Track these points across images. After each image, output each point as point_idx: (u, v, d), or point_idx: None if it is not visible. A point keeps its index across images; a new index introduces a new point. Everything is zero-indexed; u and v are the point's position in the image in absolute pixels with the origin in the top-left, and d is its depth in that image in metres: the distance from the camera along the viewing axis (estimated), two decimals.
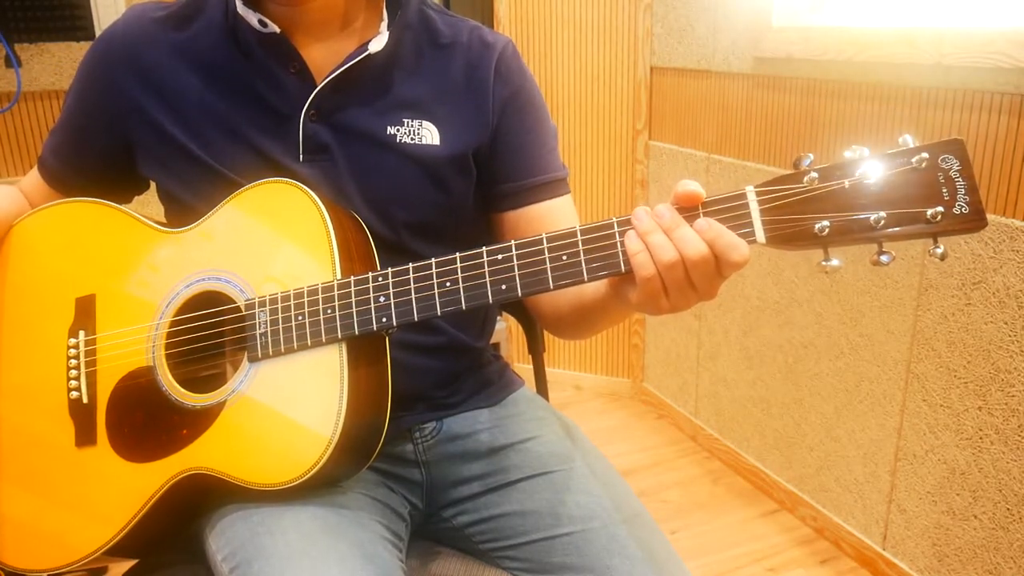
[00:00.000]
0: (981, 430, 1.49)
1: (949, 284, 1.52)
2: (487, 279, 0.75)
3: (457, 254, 0.76)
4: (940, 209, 0.65)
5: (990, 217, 1.42)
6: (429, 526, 0.99)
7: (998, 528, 1.49)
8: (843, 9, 1.76)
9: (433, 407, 0.97)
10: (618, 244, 0.72)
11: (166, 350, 0.86)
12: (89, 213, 0.93)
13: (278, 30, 0.86)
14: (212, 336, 0.86)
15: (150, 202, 1.00)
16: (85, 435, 0.87)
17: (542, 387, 1.21)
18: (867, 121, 1.65)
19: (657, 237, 0.69)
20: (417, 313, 0.77)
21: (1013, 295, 1.40)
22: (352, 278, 0.79)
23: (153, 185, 0.97)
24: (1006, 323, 1.42)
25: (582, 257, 0.73)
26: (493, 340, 1.07)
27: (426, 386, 0.96)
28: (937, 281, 1.54)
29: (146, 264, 0.89)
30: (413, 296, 0.77)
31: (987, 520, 1.51)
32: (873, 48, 1.58)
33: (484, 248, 0.76)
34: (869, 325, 1.71)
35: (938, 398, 1.57)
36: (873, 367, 1.71)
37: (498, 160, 0.94)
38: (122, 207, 0.92)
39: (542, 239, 0.74)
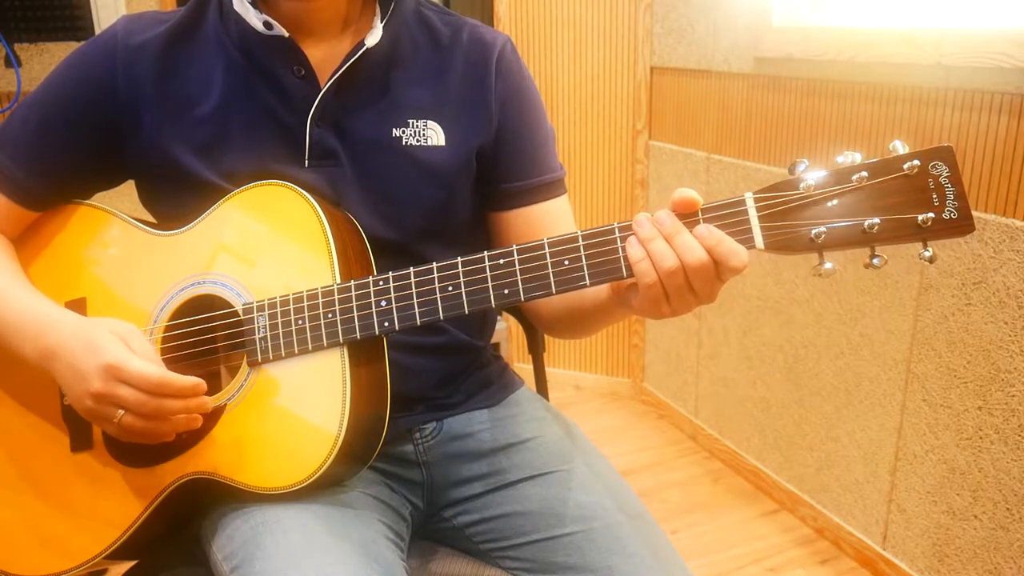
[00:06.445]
0: (981, 430, 1.49)
1: (949, 284, 1.52)
2: (489, 283, 0.76)
3: (459, 258, 0.77)
4: (931, 215, 0.67)
5: (990, 217, 1.42)
6: (429, 526, 0.99)
7: (998, 528, 1.49)
8: (843, 9, 1.76)
9: (433, 407, 0.97)
10: (619, 250, 0.73)
11: (162, 355, 0.85)
12: (75, 215, 0.91)
13: (286, 33, 0.85)
14: (209, 340, 0.85)
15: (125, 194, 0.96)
16: (80, 440, 0.86)
17: (542, 387, 1.21)
18: (867, 121, 1.65)
19: (658, 244, 0.71)
20: (420, 317, 0.78)
21: (1013, 295, 1.40)
22: (352, 282, 0.79)
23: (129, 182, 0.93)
24: (1006, 323, 1.42)
25: (584, 262, 0.74)
26: (493, 340, 1.07)
27: (426, 387, 0.96)
28: (937, 281, 1.54)
29: (138, 267, 0.88)
30: (415, 300, 0.78)
31: (987, 520, 1.51)
32: (873, 48, 1.58)
33: (486, 252, 0.76)
34: (869, 325, 1.71)
35: (938, 398, 1.57)
36: (873, 367, 1.71)
37: (500, 160, 0.94)
38: (109, 208, 0.90)
39: (544, 244, 0.75)
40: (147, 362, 0.76)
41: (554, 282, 0.75)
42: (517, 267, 0.75)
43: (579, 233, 0.74)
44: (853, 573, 1.81)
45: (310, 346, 0.80)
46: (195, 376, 0.83)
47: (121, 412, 0.76)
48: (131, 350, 0.77)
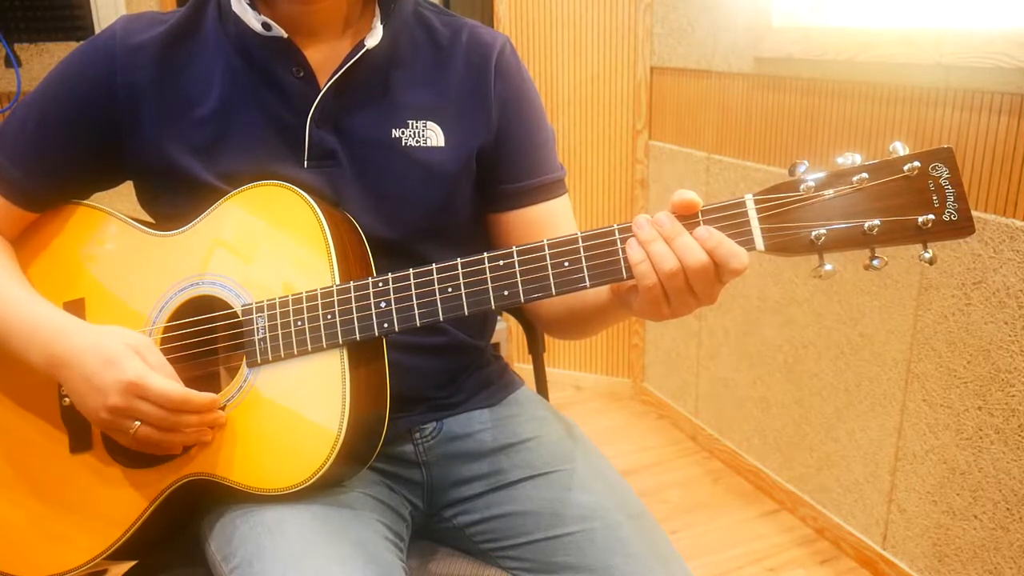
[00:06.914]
0: (981, 430, 1.49)
1: (949, 284, 1.52)
2: (489, 285, 0.76)
3: (459, 260, 0.77)
4: (931, 216, 0.67)
5: (990, 217, 1.42)
6: (430, 526, 0.99)
7: (998, 528, 1.49)
8: (843, 9, 1.76)
9: (433, 408, 0.97)
10: (619, 251, 0.73)
11: None
12: (73, 215, 0.91)
13: (285, 34, 0.85)
14: (208, 341, 0.85)
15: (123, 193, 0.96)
16: (79, 441, 0.86)
17: (542, 387, 1.21)
18: (867, 121, 1.65)
19: (658, 246, 0.71)
20: (419, 319, 0.78)
21: (1013, 295, 1.40)
22: (352, 283, 0.79)
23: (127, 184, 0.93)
24: (1006, 323, 1.42)
25: (584, 264, 0.74)
26: (493, 340, 1.08)
27: (426, 387, 0.96)
28: (937, 281, 1.54)
29: (137, 268, 0.88)
30: (415, 301, 0.78)
31: (987, 520, 1.51)
32: (873, 48, 1.58)
33: (486, 254, 0.76)
34: (869, 325, 1.71)
35: (938, 398, 1.57)
36: (873, 367, 1.71)
37: (500, 160, 0.94)
38: (108, 209, 0.90)
39: (543, 245, 0.75)
40: (167, 379, 0.78)
41: (554, 284, 0.75)
42: (517, 268, 0.75)
43: (579, 235, 0.74)
44: (853, 573, 1.81)
45: (309, 347, 0.80)
46: (193, 374, 0.83)
47: (137, 424, 0.78)
48: (148, 365, 0.78)
